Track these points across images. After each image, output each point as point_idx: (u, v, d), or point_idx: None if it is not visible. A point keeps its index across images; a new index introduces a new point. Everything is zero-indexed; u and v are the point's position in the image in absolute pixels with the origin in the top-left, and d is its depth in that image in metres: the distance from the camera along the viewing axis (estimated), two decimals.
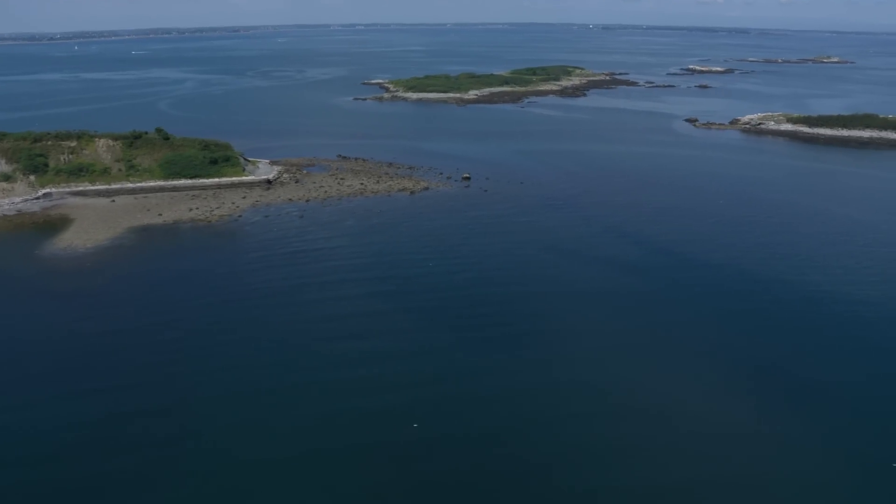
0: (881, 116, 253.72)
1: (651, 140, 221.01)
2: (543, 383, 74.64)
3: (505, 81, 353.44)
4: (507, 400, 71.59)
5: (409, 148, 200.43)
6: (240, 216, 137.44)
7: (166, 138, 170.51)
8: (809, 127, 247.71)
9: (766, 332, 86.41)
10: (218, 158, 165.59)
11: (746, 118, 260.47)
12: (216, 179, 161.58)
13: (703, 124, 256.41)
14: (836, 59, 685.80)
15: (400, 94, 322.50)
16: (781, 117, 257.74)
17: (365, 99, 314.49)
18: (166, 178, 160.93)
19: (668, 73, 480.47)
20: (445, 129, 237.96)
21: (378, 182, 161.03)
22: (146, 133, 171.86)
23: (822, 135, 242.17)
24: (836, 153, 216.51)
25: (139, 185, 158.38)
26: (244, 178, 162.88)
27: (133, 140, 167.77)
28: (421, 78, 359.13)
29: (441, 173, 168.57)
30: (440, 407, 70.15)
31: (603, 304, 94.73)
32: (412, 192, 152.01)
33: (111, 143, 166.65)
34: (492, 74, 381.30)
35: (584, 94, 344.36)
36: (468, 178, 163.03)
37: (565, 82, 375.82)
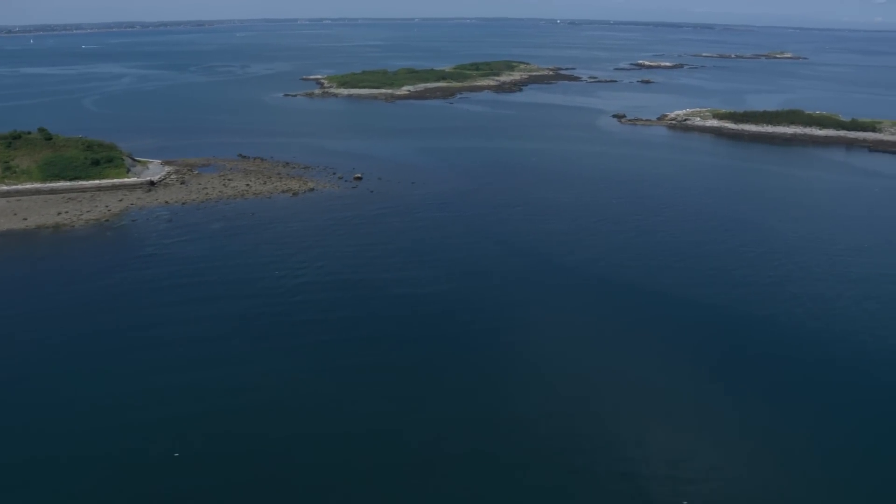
0: (806, 112, 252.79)
1: (569, 136, 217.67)
2: (351, 394, 70.26)
3: (442, 77, 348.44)
4: (293, 411, 67.15)
5: (315, 146, 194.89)
6: (107, 220, 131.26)
7: (48, 138, 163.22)
8: (735, 123, 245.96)
9: (582, 339, 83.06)
10: (100, 159, 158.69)
11: (673, 114, 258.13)
12: (97, 181, 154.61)
13: (629, 120, 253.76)
14: (789, 55, 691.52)
15: (332, 90, 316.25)
16: (707, 113, 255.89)
17: (295, 95, 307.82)
18: (45, 180, 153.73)
19: (615, 69, 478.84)
20: (363, 126, 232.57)
21: (265, 183, 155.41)
22: (28, 133, 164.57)
23: (747, 131, 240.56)
24: (755, 150, 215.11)
25: (14, 187, 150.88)
26: (126, 179, 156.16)
27: (12, 140, 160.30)
28: (358, 73, 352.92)
29: (335, 173, 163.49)
30: (211, 420, 65.42)
31: (429, 307, 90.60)
32: (295, 194, 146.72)
33: None
34: (431, 70, 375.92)
35: (521, 90, 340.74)
36: (360, 178, 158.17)
37: (505, 77, 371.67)
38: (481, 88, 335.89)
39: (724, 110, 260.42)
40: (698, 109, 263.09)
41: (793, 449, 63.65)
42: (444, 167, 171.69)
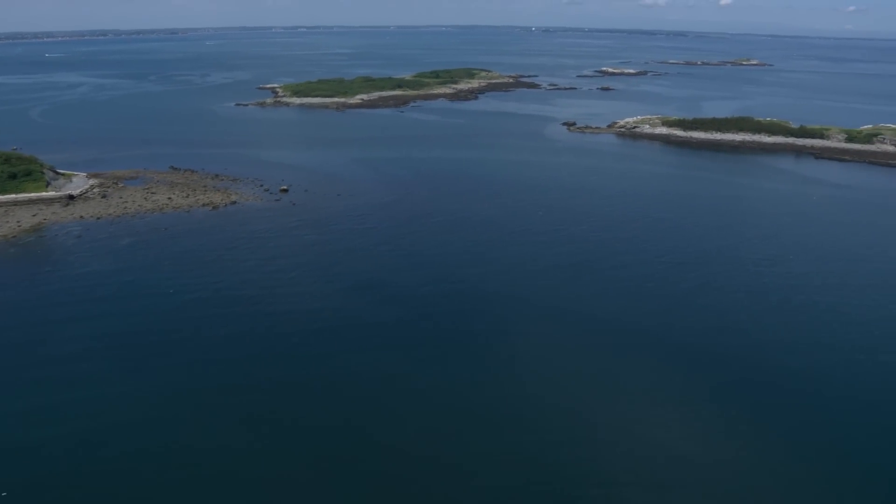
0: (756, 119, 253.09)
1: (512, 145, 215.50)
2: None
3: (398, 85, 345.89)
4: (140, 434, 63.90)
5: (251, 157, 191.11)
6: (15, 236, 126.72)
7: None
8: (683, 130, 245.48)
9: (467, 358, 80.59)
10: (18, 173, 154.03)
11: (623, 121, 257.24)
12: (13, 196, 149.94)
13: (579, 128, 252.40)
14: (755, 62, 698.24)
15: (284, 99, 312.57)
16: (657, 120, 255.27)
17: (247, 105, 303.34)
18: None
19: (578, 76, 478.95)
20: (306, 136, 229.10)
21: (187, 196, 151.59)
22: None
23: (695, 138, 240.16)
24: (700, 157, 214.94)
25: None
26: (44, 194, 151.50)
27: None
28: (313, 82, 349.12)
29: (262, 185, 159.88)
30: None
31: (315, 324, 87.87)
32: (215, 207, 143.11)
33: None
34: (389, 78, 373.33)
35: (476, 98, 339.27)
36: (286, 191, 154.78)
37: (463, 85, 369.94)
38: (437, 97, 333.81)
39: (674, 117, 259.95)
40: (648, 117, 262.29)
41: (683, 467, 61.42)
42: (374, 178, 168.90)
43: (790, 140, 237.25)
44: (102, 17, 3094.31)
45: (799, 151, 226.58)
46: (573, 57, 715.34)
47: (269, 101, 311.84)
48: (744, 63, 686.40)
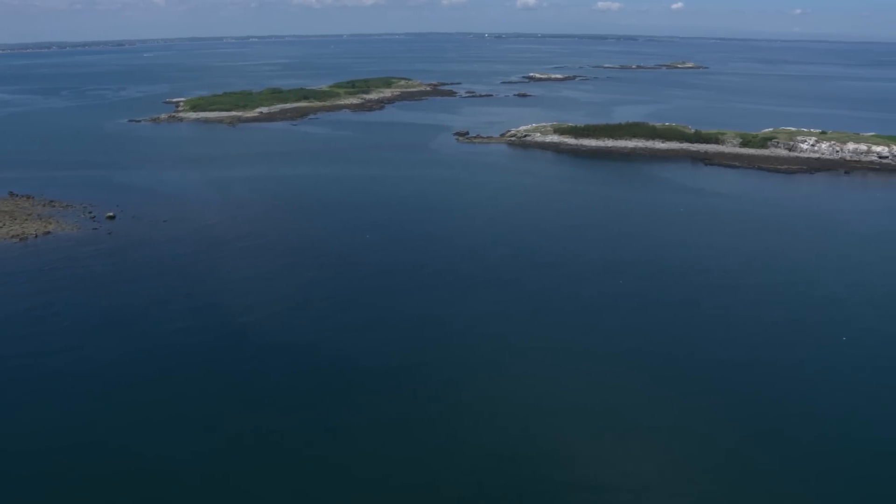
0: (650, 125, 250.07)
1: (387, 158, 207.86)
2: None
3: (305, 96, 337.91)
4: None
5: (100, 179, 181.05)
6: None
7: None
8: (575, 138, 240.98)
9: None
10: None
11: (515, 130, 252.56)
12: None
13: (469, 138, 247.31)
14: (690, 65, 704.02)
15: (181, 113, 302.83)
16: (549, 128, 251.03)
17: (140, 121, 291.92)
18: None
19: (502, 82, 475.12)
20: (178, 154, 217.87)
21: (2, 227, 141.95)
22: None
23: (586, 146, 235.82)
24: (579, 167, 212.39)
25: None
26: None
27: None
28: (218, 95, 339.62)
29: (90, 212, 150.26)
30: None
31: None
32: (22, 239, 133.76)
33: None
34: (300, 88, 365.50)
35: (382, 108, 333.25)
36: (112, 218, 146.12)
37: (374, 95, 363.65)
38: (341, 108, 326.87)
39: (567, 124, 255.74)
40: (542, 124, 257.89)
41: None
42: (216, 199, 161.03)
43: (684, 146, 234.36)
44: (50, 29, 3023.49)
45: (693, 157, 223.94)
46: (511, 63, 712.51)
47: (163, 116, 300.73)
48: (679, 66, 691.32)
